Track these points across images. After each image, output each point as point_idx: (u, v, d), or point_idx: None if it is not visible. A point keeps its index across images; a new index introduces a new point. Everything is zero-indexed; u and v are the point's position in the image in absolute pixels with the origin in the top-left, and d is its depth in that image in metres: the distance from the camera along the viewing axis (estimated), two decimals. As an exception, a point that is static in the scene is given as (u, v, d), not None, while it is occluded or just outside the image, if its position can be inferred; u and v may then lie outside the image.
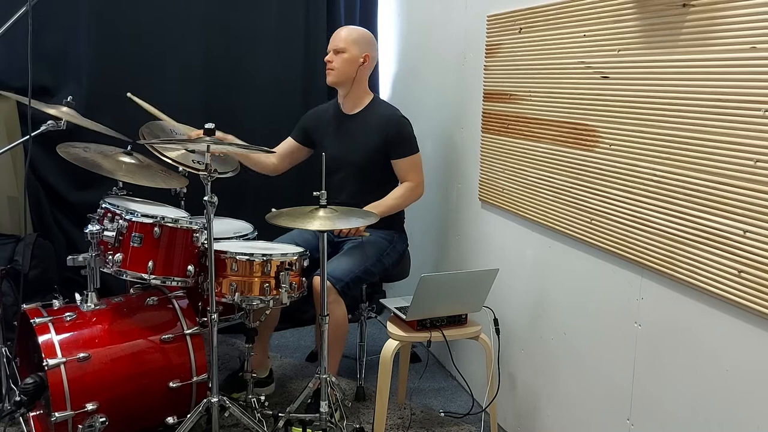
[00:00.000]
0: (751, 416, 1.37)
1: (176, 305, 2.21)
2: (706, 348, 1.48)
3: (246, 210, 2.87)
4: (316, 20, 3.13)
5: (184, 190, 2.53)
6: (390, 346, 2.13)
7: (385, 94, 3.39)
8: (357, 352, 2.79)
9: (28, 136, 2.02)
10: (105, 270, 2.08)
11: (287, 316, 3.14)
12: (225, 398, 2.04)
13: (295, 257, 2.14)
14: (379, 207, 2.40)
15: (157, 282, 2.06)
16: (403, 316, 2.17)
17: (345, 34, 2.45)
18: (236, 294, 2.06)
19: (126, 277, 2.04)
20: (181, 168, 2.46)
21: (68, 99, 2.23)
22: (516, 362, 2.30)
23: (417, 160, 2.48)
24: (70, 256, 2.09)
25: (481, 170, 2.43)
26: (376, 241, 2.45)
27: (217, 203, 1.94)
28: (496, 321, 2.25)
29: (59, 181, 2.80)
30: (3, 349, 2.22)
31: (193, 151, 2.47)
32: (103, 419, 1.96)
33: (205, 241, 2.01)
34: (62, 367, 1.92)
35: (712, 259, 1.43)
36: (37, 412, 2.14)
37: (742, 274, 1.36)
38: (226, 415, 2.08)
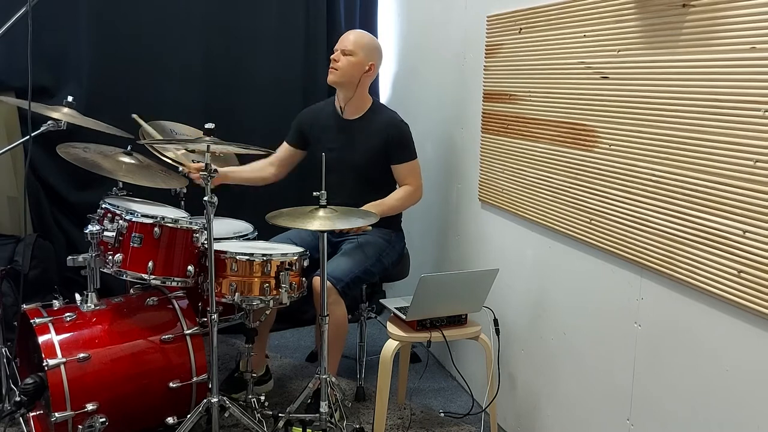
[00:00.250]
0: (751, 416, 1.37)
1: (176, 305, 2.21)
2: (706, 348, 1.48)
3: (246, 210, 2.87)
4: (316, 20, 3.13)
5: (184, 190, 2.53)
6: (390, 346, 2.13)
7: (385, 94, 3.39)
8: (357, 352, 2.79)
9: (28, 137, 2.02)
10: (105, 270, 2.08)
11: (287, 316, 3.14)
12: (225, 398, 2.04)
13: (295, 257, 2.14)
14: (380, 206, 2.41)
15: (157, 282, 2.06)
16: (403, 316, 2.17)
17: (355, 38, 2.44)
18: (236, 294, 2.06)
19: (126, 277, 2.04)
20: (181, 168, 2.46)
21: (68, 99, 2.23)
22: (516, 362, 2.30)
23: (416, 165, 2.51)
24: (70, 257, 2.09)
25: (481, 170, 2.43)
26: (374, 241, 2.45)
27: (217, 203, 1.94)
28: (496, 321, 2.25)
29: (59, 181, 2.80)
30: (3, 350, 2.22)
31: (193, 151, 2.47)
32: (103, 419, 1.96)
33: (205, 242, 2.00)
34: (62, 367, 1.92)
35: (711, 259, 1.43)
36: (37, 413, 2.14)
37: (742, 274, 1.36)
38: (226, 415, 2.08)
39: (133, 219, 2.03)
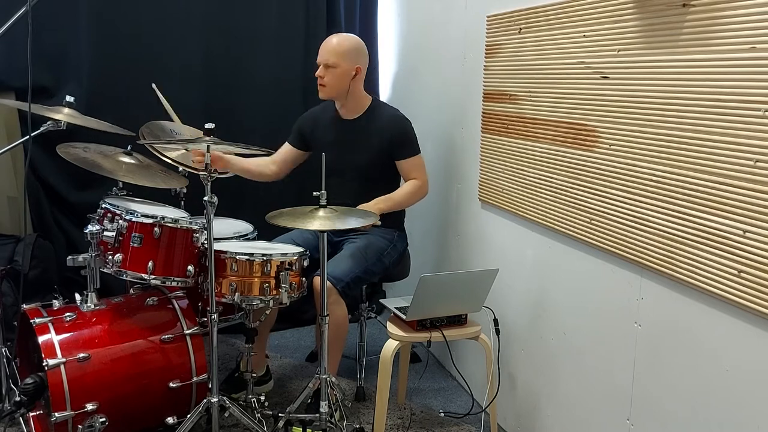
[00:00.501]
0: (751, 416, 1.37)
1: (176, 305, 2.21)
2: (706, 348, 1.48)
3: (246, 210, 2.87)
4: (316, 20, 3.13)
5: (184, 190, 2.53)
6: (390, 346, 2.13)
7: (385, 94, 3.39)
8: (357, 352, 2.79)
9: (28, 137, 2.02)
10: (105, 270, 2.08)
11: (287, 316, 3.14)
12: (225, 398, 2.04)
13: (295, 257, 2.14)
14: (387, 202, 2.41)
15: (157, 282, 2.06)
16: (403, 316, 2.17)
17: (333, 47, 2.39)
18: (236, 294, 2.06)
19: (126, 277, 2.04)
20: (181, 168, 2.46)
21: (68, 99, 2.23)
22: (516, 362, 2.30)
23: (421, 160, 2.50)
24: (70, 257, 2.09)
25: (481, 170, 2.43)
26: (376, 240, 2.45)
27: (217, 203, 1.94)
28: (496, 321, 2.25)
29: (59, 181, 2.80)
30: (3, 349, 2.22)
31: (192, 152, 2.47)
32: (103, 419, 1.96)
33: (205, 241, 2.00)
34: (62, 367, 1.92)
35: (712, 259, 1.43)
36: (37, 412, 2.14)
37: (742, 274, 1.36)
38: (226, 415, 2.08)
39: (133, 219, 2.03)
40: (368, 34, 3.28)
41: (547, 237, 2.07)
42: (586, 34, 1.80)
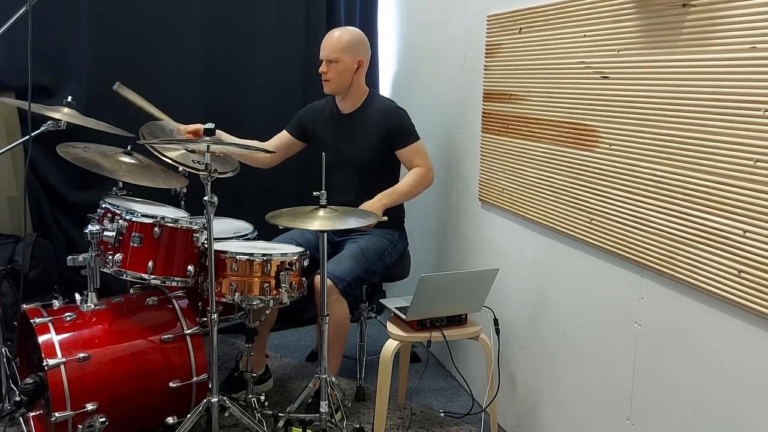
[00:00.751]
0: (751, 416, 1.37)
1: (176, 305, 2.21)
2: (706, 348, 1.48)
3: (246, 210, 2.87)
4: (316, 20, 3.13)
5: (184, 190, 2.53)
6: (390, 346, 2.13)
7: (385, 93, 3.38)
8: (357, 352, 2.79)
9: (28, 136, 2.02)
10: (105, 270, 2.08)
11: (287, 315, 3.14)
12: (225, 398, 2.04)
13: (295, 257, 2.14)
14: (391, 195, 2.38)
15: (157, 282, 2.06)
16: (403, 316, 2.17)
17: (335, 42, 2.41)
18: (236, 294, 2.06)
19: (126, 277, 2.04)
20: (181, 168, 2.46)
21: (68, 99, 2.23)
22: (516, 362, 2.30)
23: (421, 146, 2.47)
24: (70, 256, 2.09)
25: (481, 170, 2.43)
26: (377, 240, 2.45)
27: (217, 203, 1.94)
28: (496, 321, 2.25)
29: (59, 181, 2.80)
30: (3, 349, 2.22)
31: (193, 151, 2.46)
32: (103, 419, 1.96)
33: (205, 241, 2.00)
34: (62, 367, 1.92)
35: (712, 259, 1.43)
36: (37, 412, 2.14)
37: (742, 274, 1.36)
38: (226, 415, 2.08)
39: (133, 219, 2.03)
40: (368, 34, 3.24)
41: (547, 237, 2.07)
42: (586, 33, 1.80)
